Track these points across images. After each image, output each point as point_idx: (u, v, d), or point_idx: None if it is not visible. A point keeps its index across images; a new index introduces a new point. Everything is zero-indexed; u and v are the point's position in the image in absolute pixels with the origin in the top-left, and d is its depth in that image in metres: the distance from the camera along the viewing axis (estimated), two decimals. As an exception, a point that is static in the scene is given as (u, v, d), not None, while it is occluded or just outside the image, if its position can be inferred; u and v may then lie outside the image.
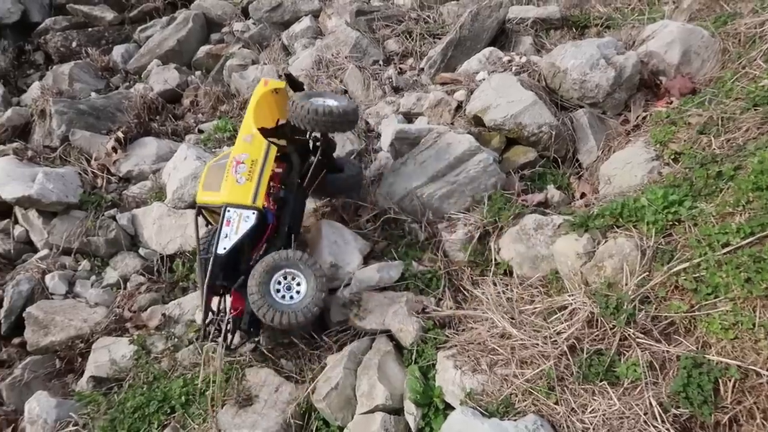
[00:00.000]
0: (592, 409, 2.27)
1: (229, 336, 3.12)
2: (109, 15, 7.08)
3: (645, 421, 2.18)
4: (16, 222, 4.40)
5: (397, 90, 4.83)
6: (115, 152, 4.96)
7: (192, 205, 4.14)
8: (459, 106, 4.31)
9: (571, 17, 5.44)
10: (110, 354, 3.41)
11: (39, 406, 2.96)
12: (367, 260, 3.52)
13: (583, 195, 3.73)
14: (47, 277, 3.96)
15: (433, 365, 2.78)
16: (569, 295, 2.72)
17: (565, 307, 2.69)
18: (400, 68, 5.21)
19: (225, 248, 2.94)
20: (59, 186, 4.37)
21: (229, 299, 3.15)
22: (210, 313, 3.11)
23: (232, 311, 3.05)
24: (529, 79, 4.29)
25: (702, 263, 2.50)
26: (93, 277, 4.11)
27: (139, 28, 6.91)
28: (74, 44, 6.69)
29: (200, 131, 5.43)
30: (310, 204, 4.00)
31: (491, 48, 4.83)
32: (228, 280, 3.06)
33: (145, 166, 4.86)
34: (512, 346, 2.58)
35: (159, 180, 4.70)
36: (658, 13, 5.34)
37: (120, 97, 5.62)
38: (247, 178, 3.09)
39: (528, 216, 3.40)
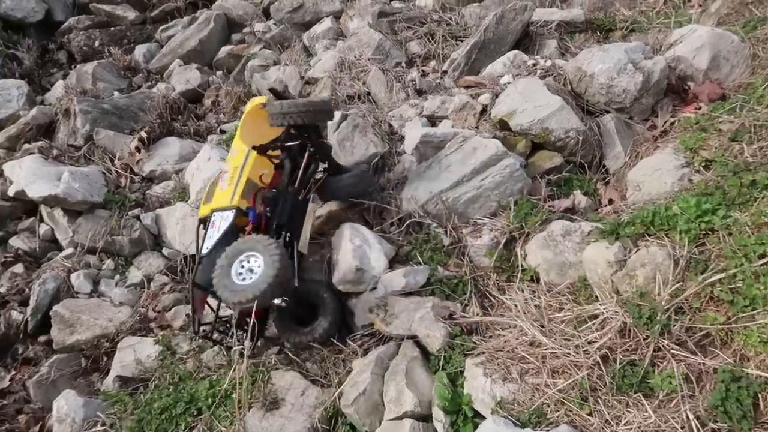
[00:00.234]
0: (627, 421, 2.24)
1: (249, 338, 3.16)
2: (131, 14, 7.14)
3: (681, 435, 2.15)
4: (41, 220, 4.45)
5: (420, 93, 4.81)
6: (139, 152, 5.01)
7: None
8: (484, 110, 4.28)
9: (596, 20, 5.40)
10: (135, 354, 3.43)
11: (67, 405, 2.98)
12: (392, 264, 3.51)
13: (610, 201, 3.69)
14: (73, 276, 4.00)
15: (461, 372, 2.76)
16: (600, 304, 2.69)
17: (596, 316, 2.66)
18: (422, 70, 5.19)
19: (208, 247, 3.12)
20: (84, 185, 4.41)
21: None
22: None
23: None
24: (554, 83, 4.26)
25: (738, 274, 2.46)
26: (117, 277, 4.15)
27: (161, 28, 6.96)
28: (97, 43, 6.74)
29: (222, 132, 5.46)
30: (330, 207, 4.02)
31: (515, 51, 4.80)
32: None
33: (167, 166, 4.89)
34: (543, 355, 2.56)
35: (182, 180, 4.72)
36: (684, 17, 5.28)
37: (142, 96, 5.67)
38: (229, 183, 3.32)
39: (555, 222, 3.37)
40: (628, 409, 2.28)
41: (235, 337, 3.21)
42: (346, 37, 6.00)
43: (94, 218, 4.37)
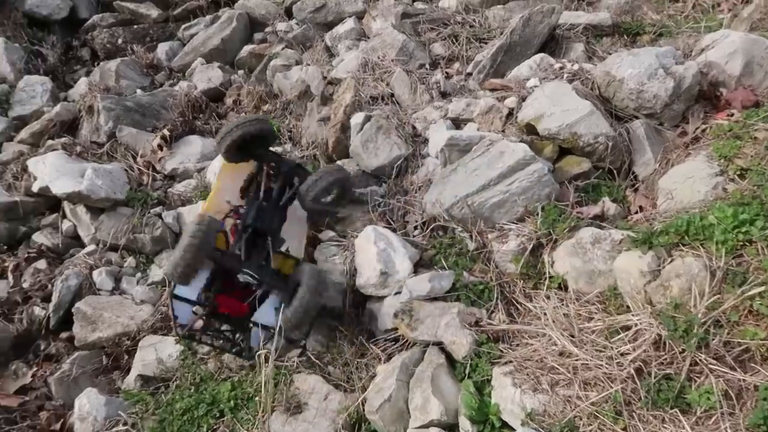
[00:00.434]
0: (663, 438, 2.18)
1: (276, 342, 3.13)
2: (154, 12, 7.16)
3: (720, 453, 2.09)
4: (64, 216, 4.46)
5: (444, 95, 4.76)
6: (161, 150, 5.01)
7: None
8: (510, 114, 4.22)
9: (623, 24, 5.31)
10: (157, 353, 3.42)
11: (89, 403, 2.98)
12: (416, 268, 3.46)
13: (640, 209, 3.61)
14: (95, 273, 4.01)
15: (488, 381, 2.71)
16: (633, 315, 2.62)
17: (629, 327, 2.59)
18: (446, 72, 5.14)
19: None
20: (107, 182, 4.42)
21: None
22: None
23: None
24: (582, 88, 4.19)
25: (779, 288, 2.39)
26: (138, 275, 4.15)
27: (183, 26, 6.97)
28: (120, 41, 6.77)
29: (243, 131, 5.44)
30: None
31: (542, 54, 4.73)
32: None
33: (189, 164, 4.89)
34: (574, 366, 2.50)
35: (203, 179, 4.72)
36: (714, 22, 5.17)
37: (165, 94, 5.67)
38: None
39: (584, 229, 3.31)
40: (664, 425, 2.21)
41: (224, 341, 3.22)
42: (368, 37, 5.96)
43: (117, 215, 4.38)
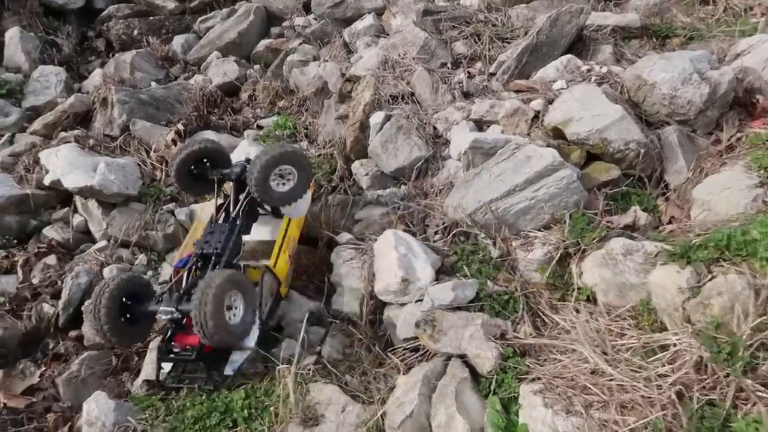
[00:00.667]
0: (707, 469, 2.04)
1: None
2: (171, 4, 7.07)
3: (769, 488, 1.95)
4: (75, 211, 4.36)
5: (467, 95, 4.62)
6: (175, 144, 4.90)
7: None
8: (536, 116, 4.08)
9: (652, 26, 5.16)
10: (168, 355, 3.30)
11: (98, 408, 2.86)
12: (437, 275, 3.33)
13: (672, 219, 3.47)
14: (105, 270, 3.90)
15: (515, 398, 2.58)
16: (672, 334, 2.48)
17: (667, 347, 2.45)
18: (468, 72, 5.00)
19: None
20: (120, 177, 4.32)
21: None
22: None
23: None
24: (611, 91, 4.04)
25: (831, 310, 2.24)
26: (150, 272, 4.04)
27: (200, 19, 6.87)
28: (135, 32, 6.68)
29: (259, 127, 5.33)
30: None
31: (569, 55, 4.58)
32: None
33: (204, 160, 4.76)
34: (609, 387, 2.36)
35: (218, 175, 4.60)
36: (748, 26, 5.01)
37: (179, 88, 5.58)
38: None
39: (615, 239, 3.16)
40: (709, 456, 2.08)
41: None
42: (387, 34, 5.82)
43: (129, 211, 4.28)
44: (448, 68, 5.00)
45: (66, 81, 5.71)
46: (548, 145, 3.72)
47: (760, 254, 2.57)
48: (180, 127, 4.99)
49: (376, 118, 4.37)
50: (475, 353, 2.78)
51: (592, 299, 3.09)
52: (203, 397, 2.91)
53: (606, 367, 2.46)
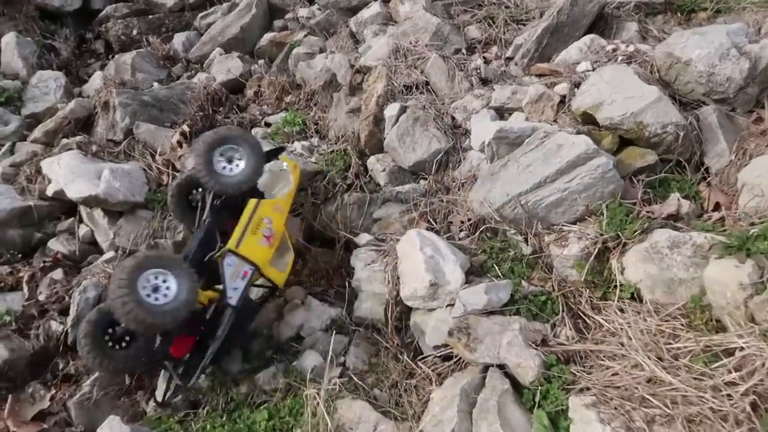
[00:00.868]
0: (793, 492, 1.82)
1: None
2: (170, 1, 6.82)
3: None
4: (80, 221, 4.17)
5: (485, 82, 4.37)
6: (180, 147, 4.69)
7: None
8: (561, 101, 3.83)
9: (676, 0, 4.88)
10: (183, 372, 3.12)
11: (112, 434, 2.68)
12: (466, 276, 3.11)
13: (716, 206, 3.22)
14: (114, 283, 3.70)
15: (563, 411, 2.37)
16: (737, 336, 2.25)
17: (731, 351, 2.22)
18: (484, 57, 4.75)
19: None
20: (125, 184, 4.12)
21: None
22: None
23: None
24: (642, 71, 3.78)
25: None
26: (160, 283, 3.83)
27: (200, 15, 6.62)
28: (135, 32, 6.45)
29: (267, 124, 5.12)
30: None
31: (592, 35, 4.32)
32: None
33: (211, 162, 4.55)
34: (671, 398, 2.14)
35: (227, 178, 4.39)
36: (779, -5, 4.72)
37: (182, 87, 5.35)
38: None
39: (658, 231, 2.93)
40: (794, 476, 1.85)
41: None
42: (396, 22, 5.57)
43: (136, 219, 4.08)
44: (463, 54, 4.75)
45: (65, 86, 5.50)
46: (578, 132, 3.48)
47: (829, 244, 2.33)
48: (185, 128, 4.77)
49: (391, 110, 4.14)
50: (515, 362, 2.56)
51: (636, 297, 2.87)
52: (224, 418, 2.72)
53: (665, 375, 2.23)
